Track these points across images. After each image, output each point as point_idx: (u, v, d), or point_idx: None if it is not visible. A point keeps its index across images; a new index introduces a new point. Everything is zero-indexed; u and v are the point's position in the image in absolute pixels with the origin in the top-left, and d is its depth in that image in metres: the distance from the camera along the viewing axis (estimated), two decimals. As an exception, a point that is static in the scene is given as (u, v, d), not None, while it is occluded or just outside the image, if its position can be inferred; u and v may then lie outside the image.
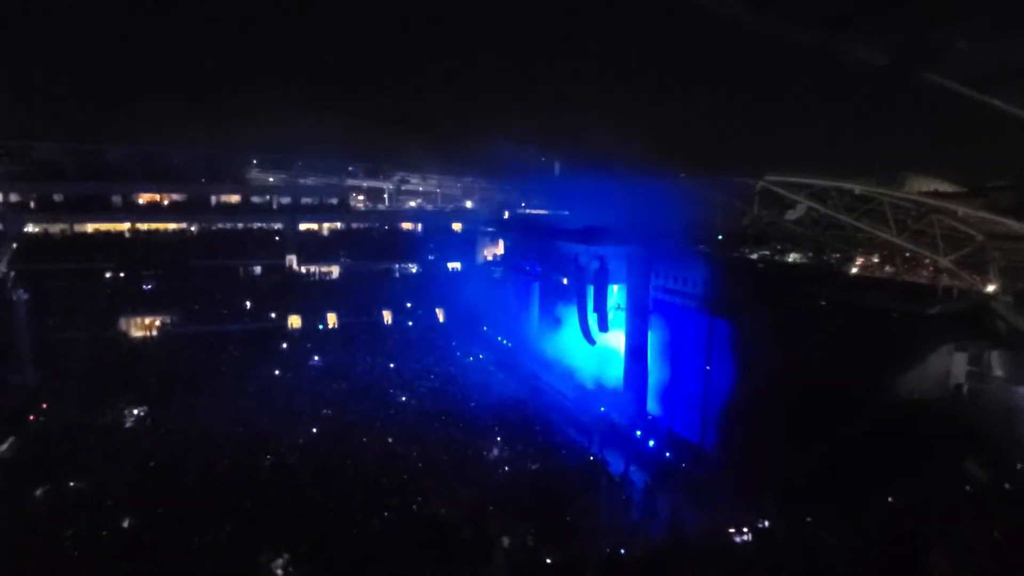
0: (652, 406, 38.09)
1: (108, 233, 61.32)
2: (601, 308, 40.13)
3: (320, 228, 69.00)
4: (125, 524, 23.80)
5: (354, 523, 23.60)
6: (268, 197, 70.45)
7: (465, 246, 68.40)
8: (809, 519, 22.87)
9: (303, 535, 22.49)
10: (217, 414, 35.08)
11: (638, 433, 35.35)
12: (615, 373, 40.55)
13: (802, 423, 25.86)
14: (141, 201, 65.29)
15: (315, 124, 64.53)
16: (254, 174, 74.85)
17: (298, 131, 64.48)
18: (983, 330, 28.27)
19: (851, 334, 27.89)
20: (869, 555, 19.90)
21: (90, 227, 61.34)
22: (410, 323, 56.52)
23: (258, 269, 62.17)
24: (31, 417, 35.30)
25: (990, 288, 29.90)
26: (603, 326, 40.54)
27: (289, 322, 54.72)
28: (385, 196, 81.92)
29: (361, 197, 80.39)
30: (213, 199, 67.70)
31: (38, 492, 26.24)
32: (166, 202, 66.20)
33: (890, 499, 22.38)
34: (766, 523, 23.78)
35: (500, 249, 66.77)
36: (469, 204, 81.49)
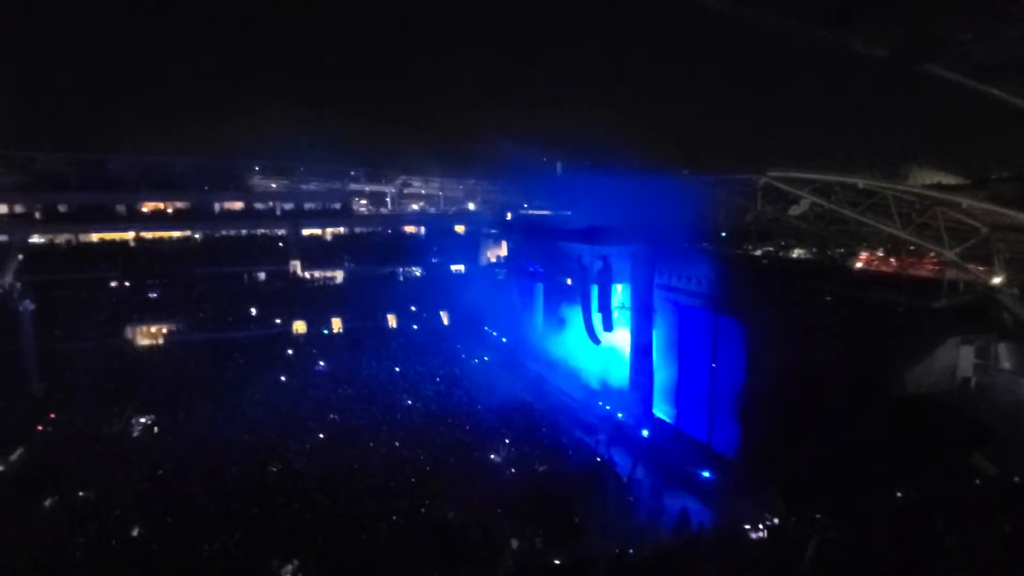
0: (658, 405, 38.00)
1: (113, 242, 61.61)
2: (605, 308, 40.07)
3: (323, 233, 69.19)
4: (134, 533, 23.84)
5: (362, 527, 23.57)
6: (271, 203, 70.64)
7: (468, 248, 68.43)
8: (818, 515, 22.76)
9: (311, 540, 22.50)
10: (224, 421, 35.12)
11: (645, 433, 35.26)
12: (620, 373, 40.47)
13: (808, 419, 25.74)
14: (145, 210, 65.58)
15: (316, 128, 64.65)
16: (256, 180, 75.05)
17: (300, 136, 64.64)
18: (989, 323, 28.14)
19: (857, 329, 27.79)
20: (878, 550, 19.79)
21: (95, 237, 61.62)
22: (415, 326, 56.54)
23: (262, 275, 62.28)
24: (39, 427, 35.41)
25: (996, 280, 29.76)
26: (607, 326, 40.48)
27: (294, 328, 54.78)
28: (388, 200, 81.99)
29: (364, 201, 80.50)
30: (216, 206, 67.96)
31: (47, 502, 26.33)
32: (170, 210, 66.46)
33: (898, 494, 22.25)
34: (775, 520, 23.67)
35: (503, 251, 66.76)
36: (472, 206, 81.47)
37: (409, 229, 72.52)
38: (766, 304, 31.47)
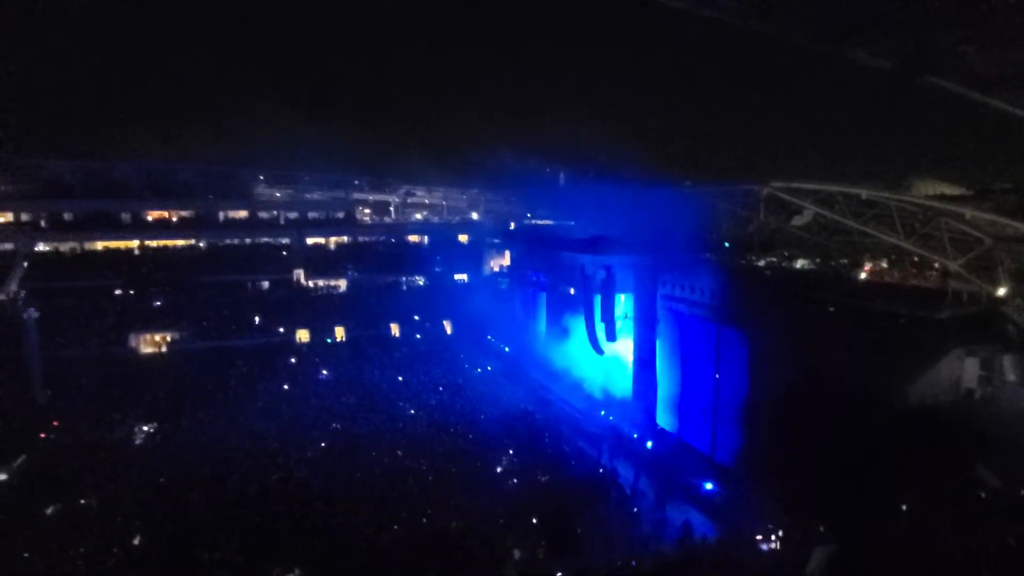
0: (661, 415, 37.91)
1: (117, 250, 61.83)
2: (608, 318, 40.07)
3: (327, 242, 69.38)
4: (135, 541, 23.79)
5: (364, 537, 23.50)
6: (275, 212, 70.97)
7: (471, 258, 68.59)
8: (821, 527, 22.63)
9: (312, 550, 22.43)
10: (226, 429, 35.11)
11: (649, 444, 35.14)
12: (623, 383, 40.42)
13: (811, 430, 25.66)
14: (150, 218, 65.88)
15: (321, 138, 65.05)
16: (261, 189, 75.41)
17: (304, 145, 65.03)
18: (994, 334, 28.02)
19: (860, 340, 27.71)
20: (882, 561, 19.67)
21: (99, 245, 61.86)
22: (418, 335, 56.52)
23: (266, 284, 62.39)
24: (41, 435, 35.42)
25: (1000, 292, 29.69)
26: (611, 336, 40.45)
27: (297, 336, 54.81)
28: (391, 209, 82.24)
29: (367, 211, 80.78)
30: (221, 215, 68.24)
31: (49, 510, 26.31)
32: (174, 219, 66.75)
33: (903, 506, 22.12)
34: (779, 531, 23.55)
35: (506, 260, 66.85)
36: (475, 216, 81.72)
37: (412, 238, 72.69)
38: (769, 315, 31.44)
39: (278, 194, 76.64)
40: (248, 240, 66.64)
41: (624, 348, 40.72)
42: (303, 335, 54.99)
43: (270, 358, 49.06)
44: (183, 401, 39.74)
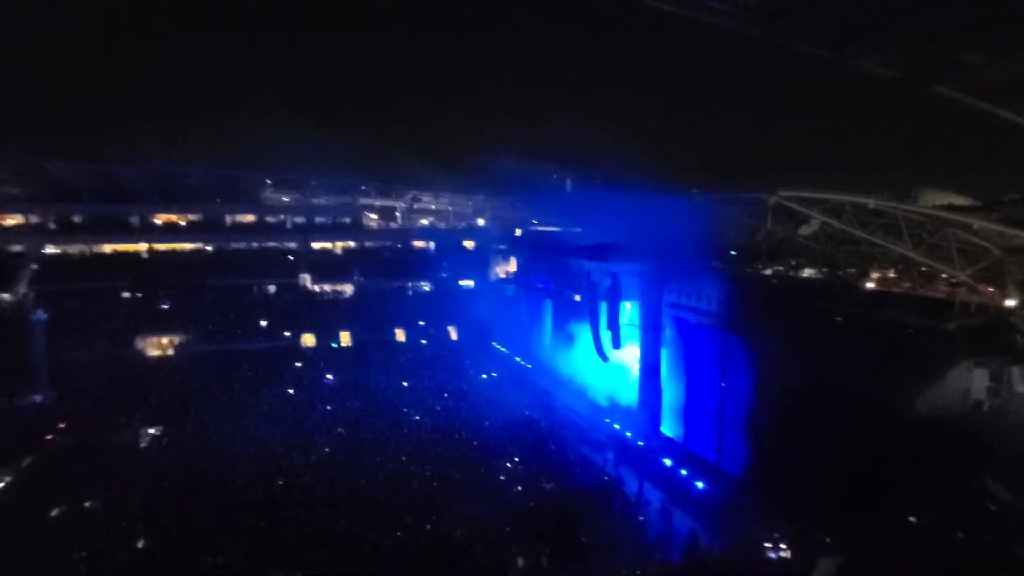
0: (666, 424, 37.78)
1: (125, 253, 62.17)
2: (614, 325, 40.00)
3: (333, 247, 69.57)
4: (139, 544, 23.80)
5: (367, 543, 23.46)
6: (282, 217, 71.27)
7: (477, 264, 68.62)
8: (827, 538, 22.50)
9: (316, 555, 22.41)
10: (231, 433, 35.17)
11: (653, 452, 35.02)
12: (628, 391, 40.32)
13: (818, 440, 25.51)
14: (157, 221, 66.24)
15: (328, 142, 65.21)
16: (268, 194, 75.72)
17: (311, 150, 65.18)
18: (1003, 345, 27.85)
19: (868, 350, 27.60)
20: (889, 573, 19.55)
21: (107, 248, 62.20)
22: (423, 341, 56.59)
23: (272, 288, 62.64)
24: (47, 436, 35.55)
25: (1009, 302, 29.53)
26: (616, 343, 40.38)
27: (303, 341, 54.94)
28: (398, 214, 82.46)
29: (374, 216, 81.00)
30: (228, 219, 68.55)
31: (53, 512, 26.37)
32: (182, 222, 67.09)
33: (910, 518, 21.97)
34: (785, 542, 23.42)
35: (512, 266, 66.89)
36: (481, 222, 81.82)
37: (419, 244, 72.86)
38: (776, 324, 31.35)
39: (285, 199, 76.94)
40: (255, 244, 66.96)
41: (630, 356, 40.62)
42: (309, 339, 55.11)
43: (276, 362, 49.18)
44: (189, 404, 39.83)
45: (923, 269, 35.56)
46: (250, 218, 69.93)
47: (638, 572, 22.05)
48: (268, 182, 74.80)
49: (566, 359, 46.77)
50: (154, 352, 52.73)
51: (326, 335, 55.61)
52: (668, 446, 36.01)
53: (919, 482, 22.37)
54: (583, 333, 43.84)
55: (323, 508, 26.19)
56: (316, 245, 68.38)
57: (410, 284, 66.17)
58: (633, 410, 39.28)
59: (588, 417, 41.33)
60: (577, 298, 45.21)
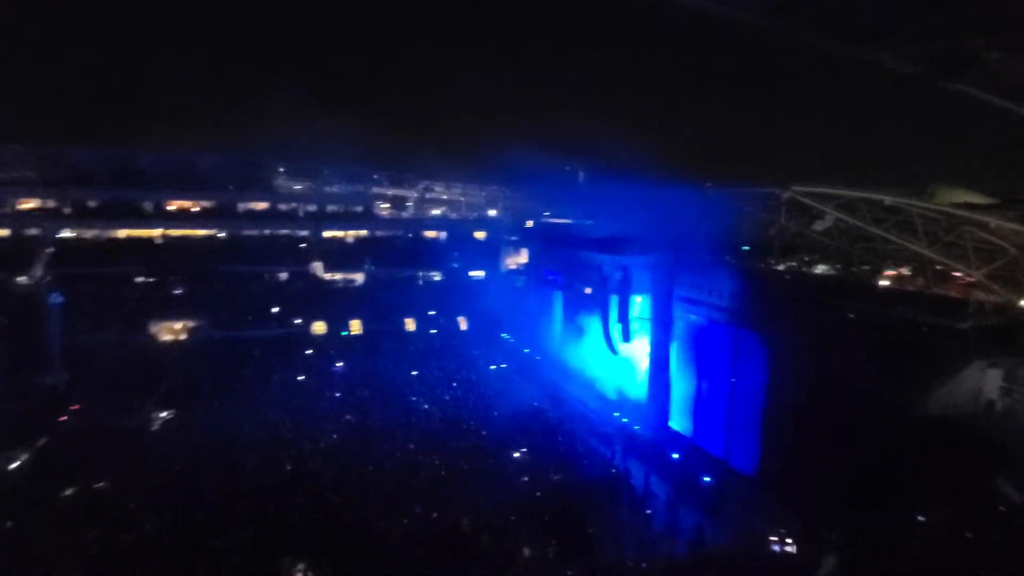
0: (675, 418, 37.71)
1: (139, 239, 62.58)
2: (624, 318, 39.92)
3: (345, 236, 69.66)
4: (148, 526, 24.08)
5: (375, 530, 23.62)
6: (294, 204, 71.45)
7: (488, 255, 68.59)
8: (835, 536, 22.42)
9: (323, 541, 22.58)
10: (241, 418, 35.46)
11: (661, 446, 34.97)
12: (637, 384, 40.26)
13: (827, 437, 25.40)
14: (171, 208, 66.62)
15: (341, 132, 65.30)
16: (281, 182, 75.91)
17: (324, 139, 65.31)
18: (1017, 345, 27.54)
19: (880, 348, 27.36)
20: (897, 572, 19.48)
21: (122, 233, 62.66)
22: (433, 331, 56.71)
23: (284, 275, 62.87)
24: (60, 418, 35.99)
25: (1024, 303, 29.20)
26: (626, 336, 40.31)
27: (313, 328, 55.19)
28: (409, 204, 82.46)
29: (386, 205, 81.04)
30: (241, 206, 68.83)
31: (65, 492, 26.72)
32: (195, 209, 67.41)
33: (920, 517, 21.84)
34: (791, 537, 23.38)
35: (523, 258, 66.82)
36: (493, 213, 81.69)
37: (430, 234, 72.82)
38: (788, 320, 31.13)
39: (298, 187, 77.09)
40: (267, 231, 67.19)
41: (639, 349, 40.54)
42: (319, 327, 55.35)
43: (286, 349, 49.50)
44: (199, 389, 40.19)
45: (937, 267, 35.17)
46: (263, 205, 70.16)
47: (644, 565, 22.07)
48: (281, 170, 75.02)
49: (575, 351, 46.75)
50: (166, 337, 53.14)
51: (336, 323, 55.82)
52: (676, 440, 35.95)
53: (929, 481, 22.21)
54: (593, 326, 43.78)
55: (331, 495, 26.40)
56: (328, 233, 68.52)
57: (421, 274, 66.24)
58: (642, 404, 39.24)
59: (596, 410, 41.34)
60: (588, 290, 45.14)
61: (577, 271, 46.69)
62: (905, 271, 40.24)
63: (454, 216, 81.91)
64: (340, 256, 65.93)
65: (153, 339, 52.26)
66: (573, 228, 65.38)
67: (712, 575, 21.59)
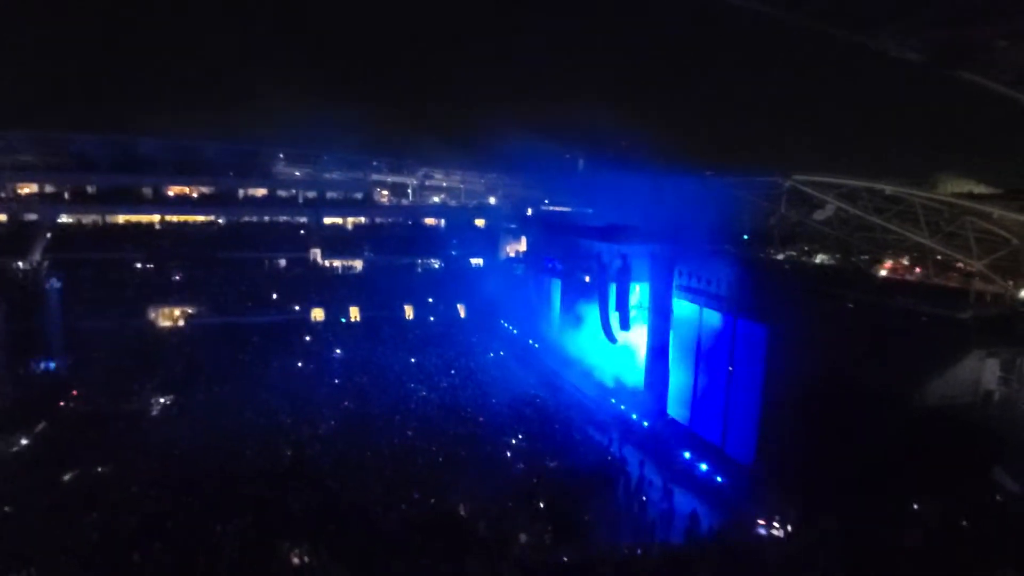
0: (672, 407, 37.76)
1: (138, 224, 62.56)
2: (623, 307, 39.87)
3: (344, 222, 69.64)
4: (148, 510, 24.18)
5: (372, 516, 23.72)
6: (294, 191, 71.38)
7: (487, 242, 68.56)
8: (832, 525, 22.48)
9: (322, 526, 22.68)
10: (240, 404, 35.55)
11: (658, 434, 35.06)
12: (635, 372, 40.29)
13: (825, 427, 25.43)
14: (171, 193, 66.54)
15: (341, 118, 65.10)
16: (280, 168, 75.75)
17: (324, 125, 65.09)
18: (1016, 336, 27.54)
19: (879, 337, 27.34)
20: (894, 563, 19.53)
21: (121, 218, 62.61)
22: (432, 318, 56.75)
23: (283, 262, 62.91)
24: (61, 403, 36.08)
25: (1024, 293, 29.16)
26: (624, 325, 40.28)
27: (312, 315, 55.24)
28: (409, 191, 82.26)
29: (385, 192, 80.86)
30: (240, 192, 68.77)
31: (66, 477, 26.82)
32: (195, 194, 67.36)
33: (916, 507, 21.90)
34: (788, 527, 23.45)
35: (522, 246, 66.74)
36: (492, 200, 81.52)
37: (429, 221, 72.76)
38: (787, 309, 31.08)
39: (297, 173, 76.92)
40: (266, 218, 67.18)
41: (638, 338, 40.53)
42: (318, 314, 55.42)
43: (285, 335, 49.59)
44: (199, 375, 40.27)
45: (938, 257, 35.10)
46: (262, 191, 70.10)
47: (639, 551, 22.15)
48: (281, 156, 74.81)
49: (574, 339, 46.75)
50: (166, 322, 53.23)
51: (335, 310, 55.87)
52: (673, 428, 36.03)
53: (927, 471, 22.25)
54: (591, 314, 43.75)
55: (329, 480, 26.49)
56: (327, 220, 68.46)
57: (420, 261, 66.25)
58: (639, 392, 39.28)
59: (594, 398, 41.40)
60: (587, 279, 45.08)
61: (576, 259, 46.59)
62: (905, 261, 40.17)
63: (453, 203, 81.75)
64: (339, 243, 65.96)
65: (152, 324, 52.33)
66: (572, 216, 65.29)
67: (708, 562, 21.65)
